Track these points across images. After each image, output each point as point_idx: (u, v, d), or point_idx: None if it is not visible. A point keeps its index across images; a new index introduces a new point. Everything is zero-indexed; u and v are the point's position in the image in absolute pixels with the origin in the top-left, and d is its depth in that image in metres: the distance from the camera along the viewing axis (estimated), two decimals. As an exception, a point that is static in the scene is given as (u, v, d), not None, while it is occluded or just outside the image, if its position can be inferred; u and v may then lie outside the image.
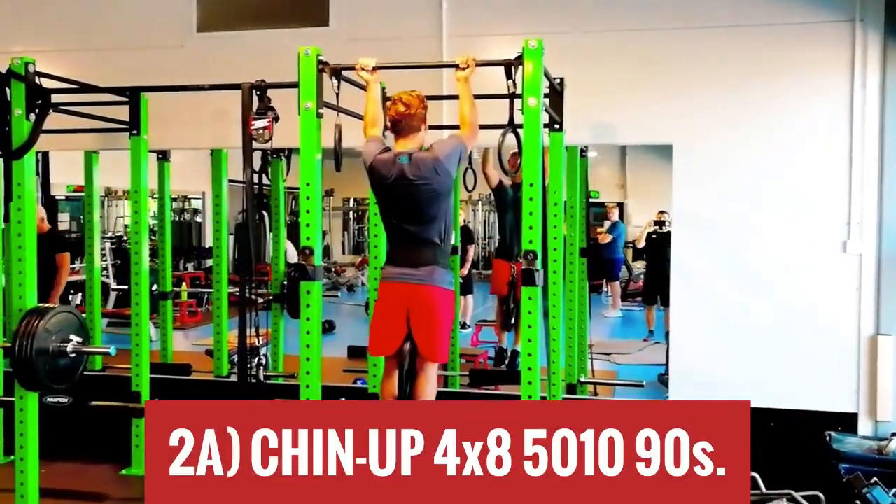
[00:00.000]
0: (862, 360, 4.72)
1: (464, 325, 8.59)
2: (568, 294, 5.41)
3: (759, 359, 4.84)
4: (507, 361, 6.24)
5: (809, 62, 4.76)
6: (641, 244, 9.58)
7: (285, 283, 6.34)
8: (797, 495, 3.94)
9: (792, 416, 4.77)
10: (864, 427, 4.71)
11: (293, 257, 8.84)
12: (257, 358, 4.28)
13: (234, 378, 5.69)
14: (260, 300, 7.06)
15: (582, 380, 5.60)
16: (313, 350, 3.77)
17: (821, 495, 4.04)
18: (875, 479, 3.83)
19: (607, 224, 11.80)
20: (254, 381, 4.28)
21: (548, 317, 4.13)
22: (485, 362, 6.92)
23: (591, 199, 13.29)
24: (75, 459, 5.17)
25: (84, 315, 5.51)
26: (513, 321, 6.25)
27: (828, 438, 4.52)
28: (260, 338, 4.34)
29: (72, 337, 4.07)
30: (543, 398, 4.28)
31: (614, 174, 15.24)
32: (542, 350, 3.82)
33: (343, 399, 4.79)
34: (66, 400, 5.10)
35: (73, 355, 4.08)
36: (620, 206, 14.22)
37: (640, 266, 12.94)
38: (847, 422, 4.71)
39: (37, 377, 3.94)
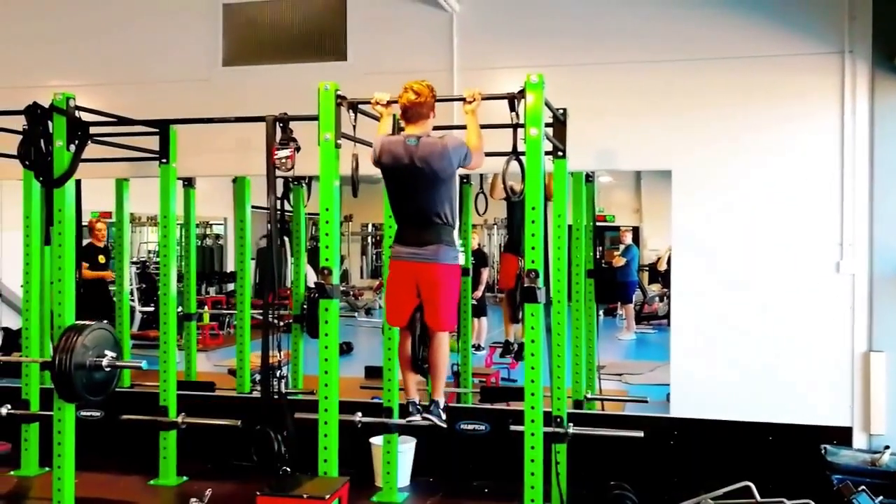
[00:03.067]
0: (856, 376, 4.90)
1: (478, 348, 8.79)
2: (574, 314, 5.63)
3: (757, 375, 5.03)
4: (514, 352, 6.43)
5: (802, 92, 4.99)
6: (664, 266, 9.74)
7: (305, 305, 6.62)
8: (788, 503, 4.13)
9: (789, 430, 4.96)
10: (859, 440, 4.88)
11: (313, 281, 9.11)
12: (279, 372, 4.53)
13: (256, 394, 5.94)
14: (281, 323, 7.35)
15: (589, 396, 5.81)
16: (331, 363, 4.04)
17: (811, 503, 4.23)
18: (863, 487, 4.01)
19: (622, 248, 12.04)
20: (276, 395, 4.51)
21: (550, 333, 4.36)
22: (496, 381, 7.15)
23: (606, 224, 13.52)
24: (107, 470, 5.45)
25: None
26: (520, 314, 6.44)
27: (823, 451, 4.70)
28: (281, 356, 4.59)
29: (106, 352, 4.34)
30: (548, 413, 4.53)
31: (630, 199, 15.42)
32: (546, 366, 4.08)
33: (360, 413, 5.04)
34: (98, 414, 5.43)
35: (107, 369, 4.34)
36: (636, 230, 14.40)
37: (655, 289, 13.12)
38: (843, 435, 4.88)
39: (75, 389, 4.21)
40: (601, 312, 12.78)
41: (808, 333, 4.97)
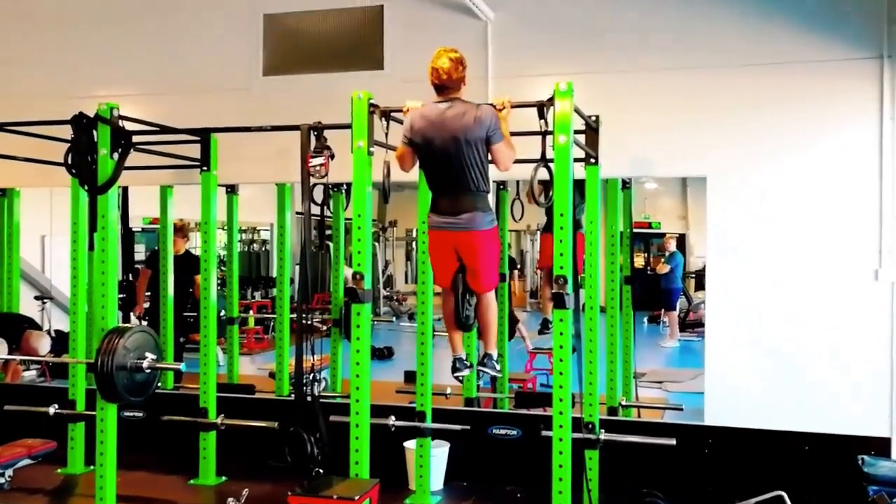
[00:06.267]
0: (895, 386, 4.82)
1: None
2: (609, 321, 5.63)
3: (793, 384, 4.98)
4: None
5: (839, 97, 4.94)
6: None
7: (343, 309, 6.71)
8: (822, 513, 4.09)
9: (826, 440, 4.89)
10: (899, 451, 4.81)
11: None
12: (312, 374, 4.61)
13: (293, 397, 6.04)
14: (323, 327, 7.46)
15: (623, 403, 5.80)
16: (362, 367, 4.11)
17: (845, 513, 4.18)
18: (897, 498, 3.95)
19: (667, 255, 11.98)
20: (309, 397, 4.59)
21: (579, 338, 4.37)
22: (534, 387, 7.16)
23: (652, 231, 13.36)
24: (148, 470, 5.59)
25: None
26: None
27: (860, 462, 4.62)
28: (315, 360, 4.66)
29: (147, 354, 4.47)
30: (578, 419, 4.55)
31: (677, 206, 15.32)
32: (574, 372, 4.09)
33: (393, 417, 5.10)
34: (141, 414, 5.58)
35: (148, 371, 4.47)
36: (682, 237, 14.29)
37: (701, 296, 12.98)
38: (881, 446, 4.80)
39: (116, 390, 4.33)
40: (645, 320, 12.83)
41: (846, 342, 4.90)
